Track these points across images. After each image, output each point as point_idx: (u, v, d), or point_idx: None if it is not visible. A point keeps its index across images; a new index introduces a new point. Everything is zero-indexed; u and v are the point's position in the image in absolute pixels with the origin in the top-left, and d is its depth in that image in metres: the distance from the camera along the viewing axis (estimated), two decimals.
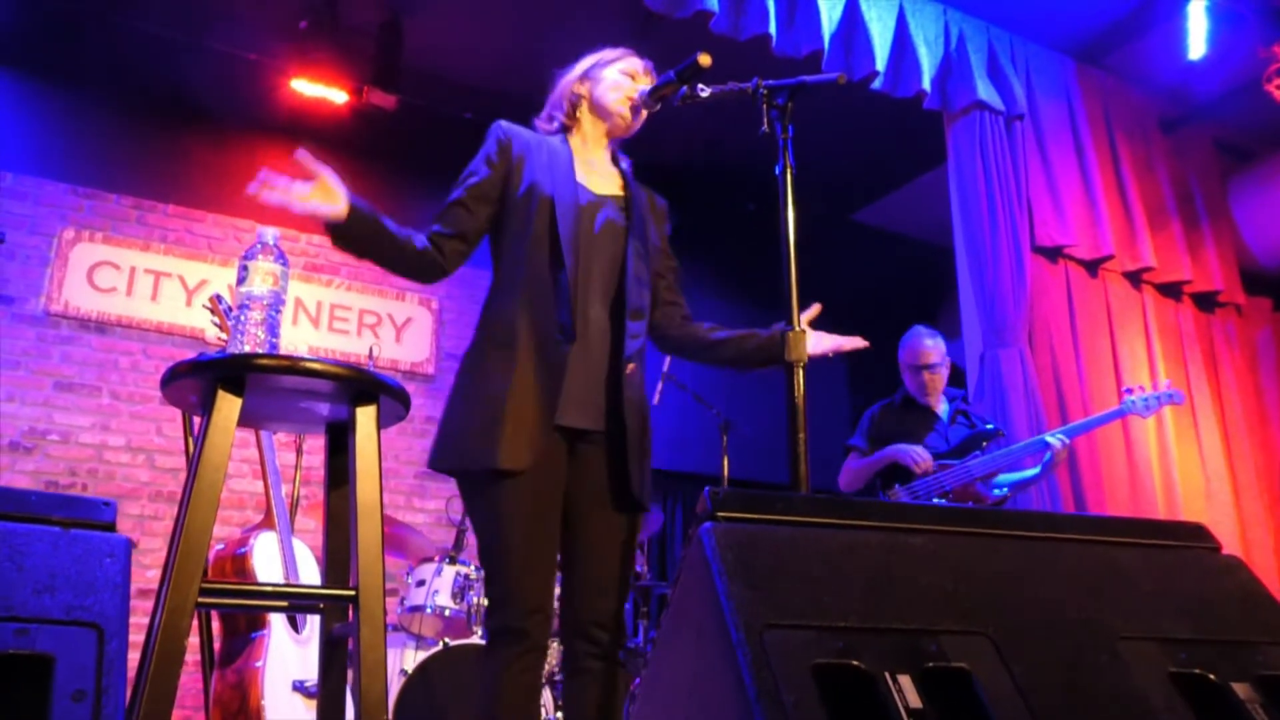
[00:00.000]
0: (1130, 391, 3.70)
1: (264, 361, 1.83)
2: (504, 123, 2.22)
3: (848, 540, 1.02)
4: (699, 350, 2.27)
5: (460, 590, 3.80)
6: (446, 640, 3.54)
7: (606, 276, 2.10)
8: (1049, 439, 3.59)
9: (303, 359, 1.85)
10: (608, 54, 2.30)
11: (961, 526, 1.10)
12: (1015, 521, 1.14)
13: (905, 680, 0.90)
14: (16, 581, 1.03)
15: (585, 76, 2.27)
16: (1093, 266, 5.07)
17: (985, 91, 4.80)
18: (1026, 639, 0.98)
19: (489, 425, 1.93)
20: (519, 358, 1.98)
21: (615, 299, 2.10)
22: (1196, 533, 1.24)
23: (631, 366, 2.05)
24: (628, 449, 2.02)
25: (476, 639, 3.58)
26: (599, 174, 2.22)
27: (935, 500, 3.56)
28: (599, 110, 2.24)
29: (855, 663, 0.90)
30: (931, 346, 3.78)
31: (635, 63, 2.27)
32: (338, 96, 5.07)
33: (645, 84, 2.23)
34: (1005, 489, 3.67)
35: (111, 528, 1.16)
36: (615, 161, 2.30)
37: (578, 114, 2.26)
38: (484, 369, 2.02)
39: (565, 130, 2.27)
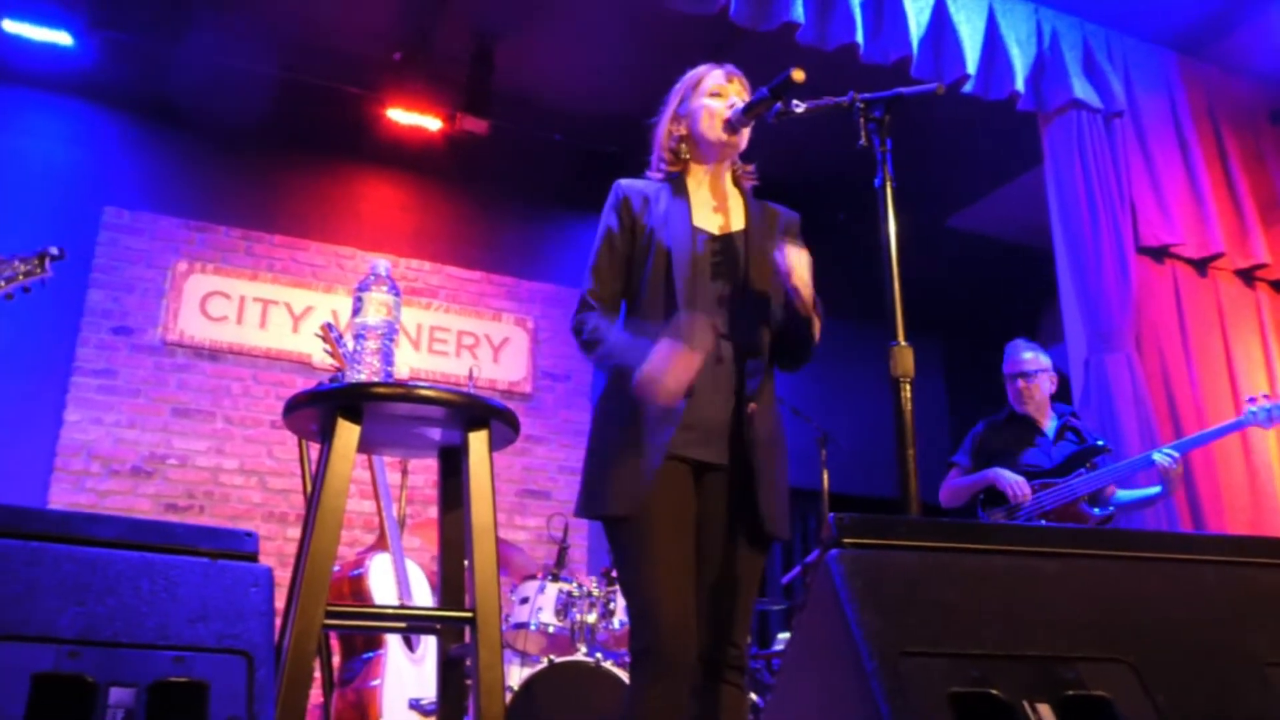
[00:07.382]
0: (1253, 401, 3.49)
1: (380, 390, 1.90)
2: (622, 181, 2.23)
3: (977, 565, 1.01)
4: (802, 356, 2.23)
5: (564, 607, 3.84)
6: (551, 657, 3.58)
7: (728, 316, 2.10)
8: (1155, 457, 3.40)
9: (417, 386, 1.91)
10: (688, 81, 2.25)
11: (1094, 549, 1.08)
12: (1148, 543, 1.11)
13: (1045, 709, 0.88)
14: (172, 611, 1.09)
15: (678, 116, 2.24)
16: (1202, 265, 4.89)
17: (1081, 90, 4.68)
18: (1169, 666, 0.96)
19: (602, 474, 2.04)
20: (635, 405, 1.99)
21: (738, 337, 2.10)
22: None
23: (753, 406, 2.05)
24: (758, 487, 2.02)
25: (581, 656, 3.61)
26: (719, 209, 2.21)
27: (1036, 521, 3.46)
28: (701, 144, 2.19)
29: (993, 691, 0.89)
30: (1029, 358, 3.76)
31: (716, 75, 2.21)
32: (431, 124, 5.23)
33: (735, 91, 2.19)
34: (1112, 508, 3.54)
35: (254, 558, 1.21)
36: (738, 182, 2.28)
37: (683, 156, 2.22)
38: (605, 417, 2.11)
39: (678, 173, 2.23)
